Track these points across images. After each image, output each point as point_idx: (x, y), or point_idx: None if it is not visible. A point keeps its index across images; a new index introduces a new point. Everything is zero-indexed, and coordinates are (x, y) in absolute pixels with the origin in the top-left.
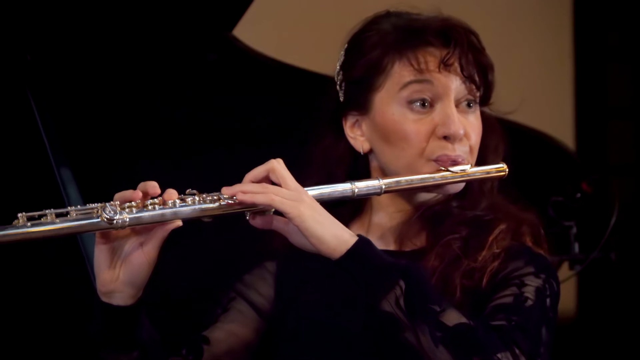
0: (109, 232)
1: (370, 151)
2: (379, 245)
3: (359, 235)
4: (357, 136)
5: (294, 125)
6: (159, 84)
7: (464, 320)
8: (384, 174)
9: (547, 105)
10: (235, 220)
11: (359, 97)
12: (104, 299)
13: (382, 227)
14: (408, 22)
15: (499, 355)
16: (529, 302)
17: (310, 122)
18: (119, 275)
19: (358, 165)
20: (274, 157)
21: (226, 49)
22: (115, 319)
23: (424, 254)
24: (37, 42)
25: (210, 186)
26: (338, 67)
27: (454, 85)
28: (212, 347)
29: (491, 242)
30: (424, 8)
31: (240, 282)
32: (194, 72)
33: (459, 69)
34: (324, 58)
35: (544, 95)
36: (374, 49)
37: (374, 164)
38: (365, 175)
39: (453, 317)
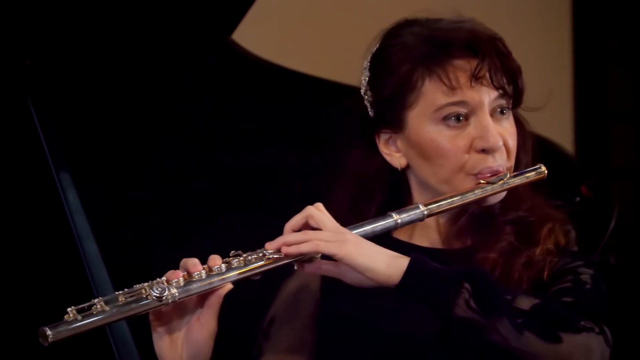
0: (163, 313)
1: (408, 166)
2: (426, 243)
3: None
4: (393, 152)
5: (293, 129)
6: (158, 87)
7: (537, 300)
8: (424, 188)
9: (547, 108)
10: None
11: (391, 115)
12: None
13: (428, 226)
14: (432, 32)
15: (582, 323)
16: (588, 286)
17: (311, 127)
18: (182, 355)
19: (397, 179)
20: (273, 161)
21: (226, 53)
22: None
23: (473, 252)
24: (36, 46)
25: (209, 189)
26: (365, 84)
27: (487, 97)
28: None
29: (544, 238)
30: (440, 12)
31: (279, 296)
32: (193, 75)
33: (489, 80)
34: (324, 62)
35: (543, 97)
36: (401, 66)
37: (413, 178)
38: (406, 189)
39: (526, 301)
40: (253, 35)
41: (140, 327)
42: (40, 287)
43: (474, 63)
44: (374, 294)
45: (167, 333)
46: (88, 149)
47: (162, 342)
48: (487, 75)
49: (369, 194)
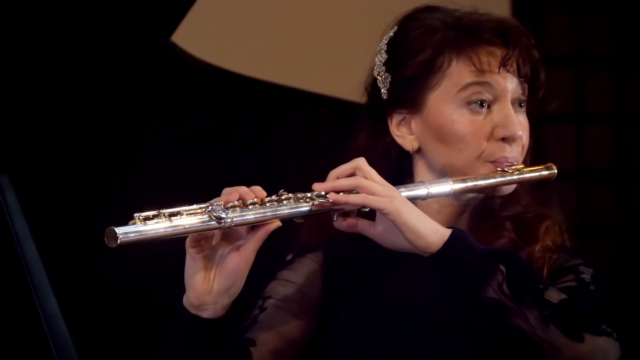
0: (204, 240)
1: (418, 150)
2: None
3: (451, 227)
4: (405, 135)
5: (233, 131)
6: (97, 90)
7: (564, 296)
8: (432, 173)
9: None
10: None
11: (410, 96)
12: (194, 311)
13: None
14: (457, 19)
15: (604, 327)
16: (592, 287)
17: (251, 129)
18: (213, 286)
19: (401, 164)
20: (212, 162)
21: (166, 55)
22: (204, 332)
23: None
24: None
25: (147, 192)
26: (380, 65)
27: (511, 85)
28: (259, 348)
29: (542, 236)
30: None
31: (275, 279)
32: (133, 78)
33: (516, 69)
34: (264, 64)
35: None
36: (425, 47)
37: (420, 163)
38: (409, 175)
39: (555, 294)
40: (193, 37)
41: (79, 328)
42: None
43: (503, 50)
44: (381, 281)
45: (203, 261)
46: (26, 151)
47: (196, 270)
48: (515, 64)
49: None
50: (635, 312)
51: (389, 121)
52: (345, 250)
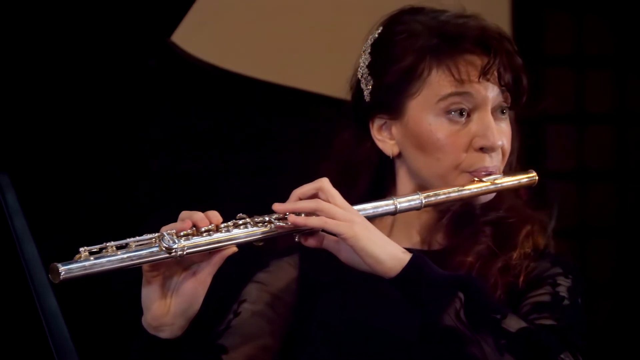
0: (160, 264)
1: (399, 155)
2: (405, 244)
3: (411, 251)
4: (386, 139)
5: (232, 131)
6: (97, 90)
7: (524, 324)
8: (413, 178)
9: None
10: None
11: (390, 102)
12: (152, 331)
13: (407, 225)
14: (441, 24)
15: (562, 356)
16: (566, 302)
17: (251, 129)
18: (170, 308)
19: (384, 168)
20: (212, 162)
21: (166, 55)
22: (163, 352)
23: (451, 253)
24: None
25: (147, 191)
26: (363, 67)
27: (492, 94)
28: (230, 356)
29: (521, 242)
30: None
31: (252, 282)
32: (133, 78)
33: (496, 77)
34: (263, 63)
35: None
36: (407, 54)
37: (402, 168)
38: (391, 179)
39: (514, 323)
40: (193, 37)
41: (79, 328)
42: None
43: (483, 59)
44: (356, 289)
45: (159, 285)
46: (26, 150)
47: (153, 293)
48: (496, 72)
49: (351, 180)
50: (635, 312)
51: (370, 125)
52: (322, 255)
